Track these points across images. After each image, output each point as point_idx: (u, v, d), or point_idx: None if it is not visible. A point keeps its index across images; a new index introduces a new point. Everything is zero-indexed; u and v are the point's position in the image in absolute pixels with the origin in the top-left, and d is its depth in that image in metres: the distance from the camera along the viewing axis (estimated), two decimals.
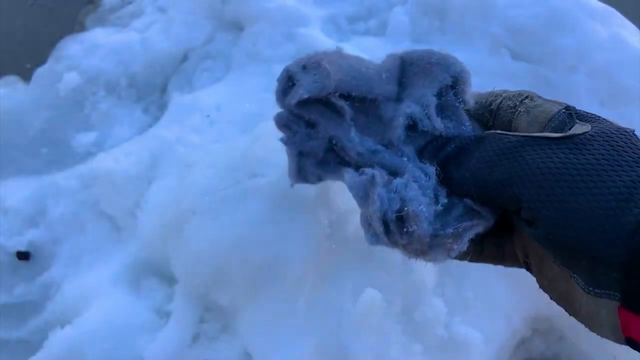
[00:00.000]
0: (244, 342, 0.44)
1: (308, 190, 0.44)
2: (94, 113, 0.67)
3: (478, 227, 0.30)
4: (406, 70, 0.35)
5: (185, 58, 0.69)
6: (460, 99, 0.33)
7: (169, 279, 0.50)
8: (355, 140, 0.34)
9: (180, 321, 0.45)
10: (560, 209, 0.26)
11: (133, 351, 0.44)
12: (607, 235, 0.24)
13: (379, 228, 0.31)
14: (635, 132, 0.28)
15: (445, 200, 0.31)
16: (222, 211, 0.44)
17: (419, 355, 0.42)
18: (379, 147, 0.34)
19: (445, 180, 0.32)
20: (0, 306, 0.54)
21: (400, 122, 0.33)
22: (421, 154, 0.33)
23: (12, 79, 0.72)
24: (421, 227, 0.29)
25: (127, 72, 0.68)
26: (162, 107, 0.68)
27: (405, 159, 0.33)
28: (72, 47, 0.72)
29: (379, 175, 0.32)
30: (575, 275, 0.27)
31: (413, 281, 0.44)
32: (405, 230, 0.30)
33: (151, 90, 0.69)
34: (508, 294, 0.46)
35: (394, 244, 0.32)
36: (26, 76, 0.72)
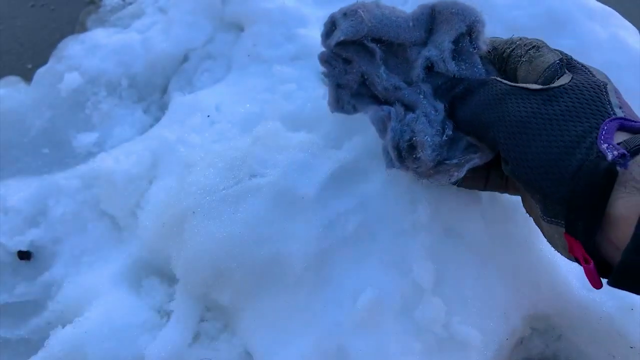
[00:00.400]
0: (245, 341, 0.44)
1: (308, 190, 0.44)
2: (95, 113, 0.67)
3: (478, 160, 0.36)
4: (435, 17, 0.40)
5: (185, 58, 0.69)
6: (475, 45, 0.38)
7: (170, 279, 0.50)
8: (382, 77, 0.40)
9: (180, 320, 0.45)
10: (521, 152, 0.30)
11: (134, 350, 0.44)
12: (554, 176, 0.28)
13: (394, 154, 0.39)
14: (608, 85, 0.31)
15: (451, 133, 0.37)
16: (222, 211, 0.44)
17: (418, 355, 0.42)
18: (402, 84, 0.40)
19: (452, 116, 0.38)
20: (1, 305, 0.54)
21: (420, 63, 0.39)
22: (437, 92, 0.39)
23: (13, 79, 0.73)
24: (426, 154, 0.36)
25: (128, 72, 0.69)
26: (163, 107, 0.68)
27: (422, 96, 0.39)
28: (73, 48, 0.72)
29: (394, 111, 0.39)
30: (536, 205, 0.32)
31: (412, 280, 0.44)
32: (414, 156, 0.37)
33: (152, 91, 0.69)
34: (507, 293, 0.46)
35: (405, 167, 0.39)
36: (27, 76, 0.72)
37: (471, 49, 0.38)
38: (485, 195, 0.47)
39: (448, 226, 0.47)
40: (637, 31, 0.59)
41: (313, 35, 0.46)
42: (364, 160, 0.45)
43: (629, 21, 0.60)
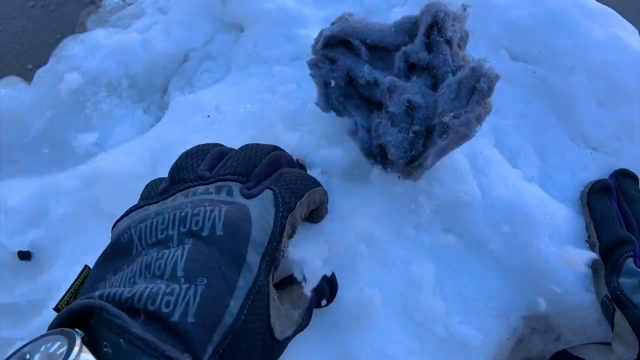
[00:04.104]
0: None
1: None
2: (95, 113, 0.67)
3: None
4: (417, 24, 0.43)
5: (185, 59, 0.69)
6: (443, 34, 0.40)
7: None
8: (365, 72, 0.42)
9: None
10: None
11: None
12: None
13: (369, 161, 0.43)
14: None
15: (417, 127, 0.39)
16: None
17: (418, 354, 0.42)
18: (381, 78, 0.42)
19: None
20: (2, 306, 0.54)
21: (398, 56, 0.42)
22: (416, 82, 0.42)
23: (13, 79, 0.73)
24: (391, 153, 0.39)
25: (128, 72, 0.69)
26: (163, 107, 0.68)
27: (396, 87, 0.41)
28: (73, 48, 0.72)
29: (359, 122, 0.43)
30: None
31: (412, 280, 0.44)
32: (387, 158, 0.40)
33: (152, 91, 0.69)
34: (507, 293, 0.46)
35: (386, 169, 0.42)
36: (27, 77, 0.72)
37: (439, 38, 0.40)
38: (485, 195, 0.47)
39: (448, 226, 0.47)
40: (636, 31, 0.59)
41: (313, 36, 0.46)
42: (364, 160, 0.45)
43: (628, 21, 0.60)
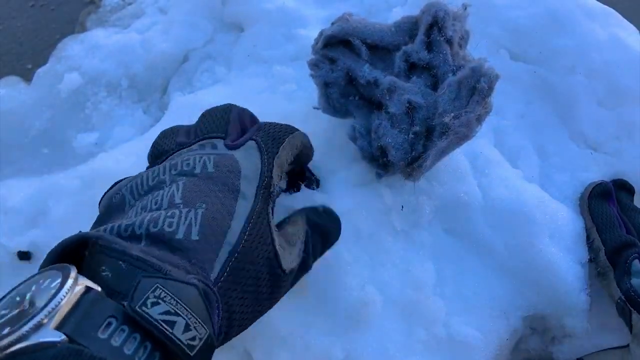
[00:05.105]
0: (245, 341, 0.44)
1: (307, 192, 0.44)
2: (94, 113, 0.67)
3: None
4: (417, 24, 0.43)
5: (185, 59, 0.69)
6: (443, 34, 0.40)
7: None
8: (365, 72, 0.42)
9: None
10: None
11: None
12: None
13: (371, 164, 0.43)
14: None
15: (417, 128, 0.39)
16: None
17: (418, 354, 0.42)
18: (382, 77, 0.41)
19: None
20: None
21: (398, 56, 0.42)
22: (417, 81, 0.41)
23: (13, 79, 0.73)
24: (392, 155, 0.39)
25: (128, 72, 0.69)
26: (163, 107, 0.68)
27: (396, 86, 0.40)
28: (73, 48, 0.72)
29: (357, 128, 0.43)
30: None
31: (412, 280, 0.44)
32: (388, 160, 0.40)
33: (152, 91, 0.69)
34: (507, 293, 0.46)
35: (387, 170, 0.42)
36: (27, 77, 0.72)
37: (439, 38, 0.40)
38: (485, 195, 0.47)
39: (448, 226, 0.47)
40: (636, 31, 0.59)
41: (313, 36, 0.46)
42: (364, 161, 0.45)
43: (629, 21, 0.60)
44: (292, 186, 0.43)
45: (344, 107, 0.44)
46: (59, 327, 0.20)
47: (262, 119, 0.50)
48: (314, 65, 0.44)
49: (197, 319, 0.23)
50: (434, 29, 0.41)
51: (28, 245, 0.56)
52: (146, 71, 0.69)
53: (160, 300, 0.22)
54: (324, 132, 0.49)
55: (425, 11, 0.42)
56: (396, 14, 0.61)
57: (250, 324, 0.31)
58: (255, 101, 0.57)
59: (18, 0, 0.83)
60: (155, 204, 0.28)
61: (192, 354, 0.22)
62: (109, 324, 0.21)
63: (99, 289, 0.22)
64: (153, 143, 0.39)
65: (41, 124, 0.67)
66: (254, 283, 0.29)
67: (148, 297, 0.22)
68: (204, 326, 0.23)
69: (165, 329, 0.21)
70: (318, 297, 0.43)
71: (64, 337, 0.20)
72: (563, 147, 0.54)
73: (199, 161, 0.31)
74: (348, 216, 0.44)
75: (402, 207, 0.46)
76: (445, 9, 0.41)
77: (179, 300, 0.22)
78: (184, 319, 0.22)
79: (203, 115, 0.39)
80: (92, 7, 0.82)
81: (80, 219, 0.57)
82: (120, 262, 0.23)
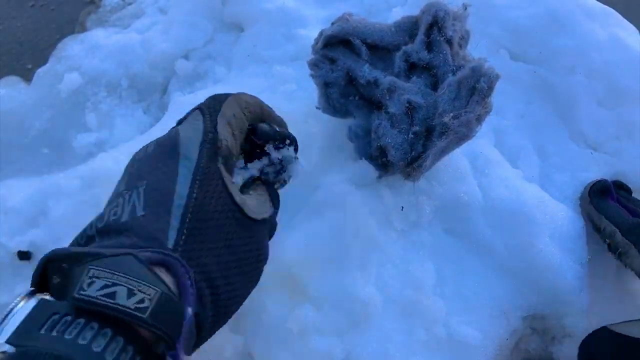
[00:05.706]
0: (246, 341, 0.44)
1: (308, 191, 0.44)
2: (95, 113, 0.67)
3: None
4: (417, 24, 0.43)
5: (185, 59, 0.69)
6: (443, 34, 0.40)
7: None
8: (365, 71, 0.42)
9: None
10: None
11: None
12: None
13: (372, 164, 0.43)
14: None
15: (417, 128, 0.39)
16: None
17: (418, 354, 0.42)
18: (381, 77, 0.41)
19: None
20: (2, 306, 0.54)
21: (398, 56, 0.42)
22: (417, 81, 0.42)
23: (13, 79, 0.72)
24: (391, 155, 0.40)
25: (128, 72, 0.69)
26: (163, 107, 0.68)
27: (396, 86, 0.41)
28: (73, 48, 0.72)
29: (353, 128, 0.43)
30: None
31: (412, 280, 0.44)
32: (386, 159, 0.41)
33: (152, 91, 0.69)
34: (507, 293, 0.46)
35: (386, 171, 0.43)
36: (27, 77, 0.72)
37: (439, 38, 0.40)
38: (485, 195, 0.47)
39: (448, 226, 0.47)
40: (636, 31, 0.59)
41: (313, 36, 0.46)
42: (364, 161, 0.45)
43: (629, 21, 0.60)
44: (258, 149, 0.38)
45: (344, 107, 0.44)
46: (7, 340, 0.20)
47: None
48: (314, 65, 0.44)
49: (140, 282, 0.22)
50: (434, 29, 0.41)
51: (28, 245, 0.56)
52: (146, 71, 0.69)
53: (94, 279, 0.22)
54: (324, 132, 0.49)
55: (425, 11, 0.42)
56: (396, 14, 0.61)
57: (248, 280, 0.31)
58: None
59: (18, 0, 0.83)
60: (109, 204, 0.29)
61: (145, 316, 0.22)
62: (54, 321, 0.21)
63: (48, 297, 0.23)
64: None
65: (41, 124, 0.67)
66: (223, 237, 0.28)
67: (83, 281, 0.22)
68: (152, 287, 0.23)
69: (106, 301, 0.21)
70: (318, 297, 0.43)
71: (9, 346, 0.20)
72: (563, 147, 0.54)
73: (144, 148, 0.32)
74: (347, 217, 0.44)
75: (402, 207, 0.46)
76: (445, 9, 0.41)
77: (115, 272, 0.22)
78: (124, 286, 0.22)
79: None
80: (92, 7, 0.81)
81: (80, 218, 0.56)
82: (64, 265, 0.23)
